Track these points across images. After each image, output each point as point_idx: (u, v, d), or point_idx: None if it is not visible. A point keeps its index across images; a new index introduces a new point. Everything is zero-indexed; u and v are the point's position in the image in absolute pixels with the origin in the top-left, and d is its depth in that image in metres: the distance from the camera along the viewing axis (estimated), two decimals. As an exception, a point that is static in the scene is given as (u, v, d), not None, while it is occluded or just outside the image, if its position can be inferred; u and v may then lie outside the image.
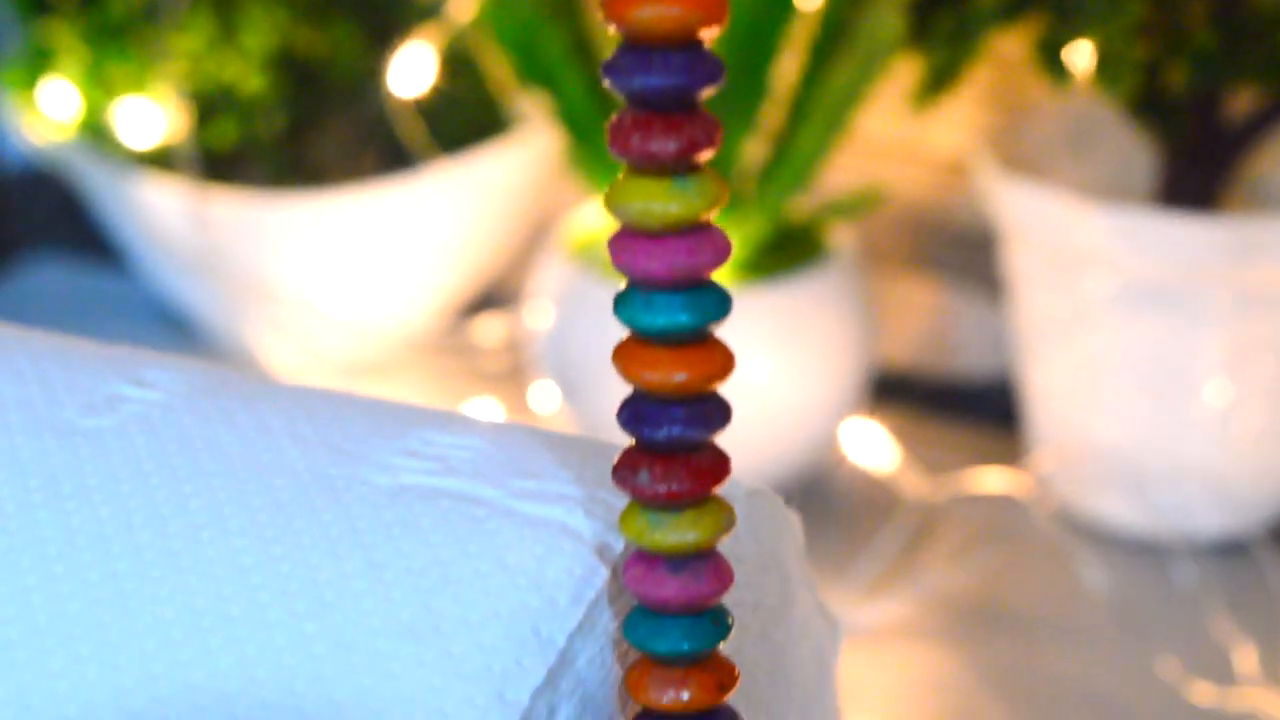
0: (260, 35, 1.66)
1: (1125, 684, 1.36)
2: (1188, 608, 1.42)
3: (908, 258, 1.71)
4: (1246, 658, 1.36)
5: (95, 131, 1.70)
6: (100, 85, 1.68)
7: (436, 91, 1.68)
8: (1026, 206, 1.43)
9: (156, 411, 0.68)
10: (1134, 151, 1.53)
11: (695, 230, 0.56)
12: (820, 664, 0.77)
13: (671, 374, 0.57)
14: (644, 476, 0.58)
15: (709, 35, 0.55)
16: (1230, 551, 1.48)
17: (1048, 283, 1.47)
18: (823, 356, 1.49)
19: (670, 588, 0.59)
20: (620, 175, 0.57)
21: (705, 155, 0.56)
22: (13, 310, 1.85)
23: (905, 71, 1.47)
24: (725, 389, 0.60)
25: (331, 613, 0.59)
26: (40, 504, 0.63)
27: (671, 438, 0.58)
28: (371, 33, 1.71)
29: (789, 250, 1.52)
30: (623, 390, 0.59)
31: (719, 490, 0.60)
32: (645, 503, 0.59)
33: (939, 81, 1.43)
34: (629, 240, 0.57)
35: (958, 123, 1.63)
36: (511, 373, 1.72)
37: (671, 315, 0.57)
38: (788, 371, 1.48)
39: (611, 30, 0.55)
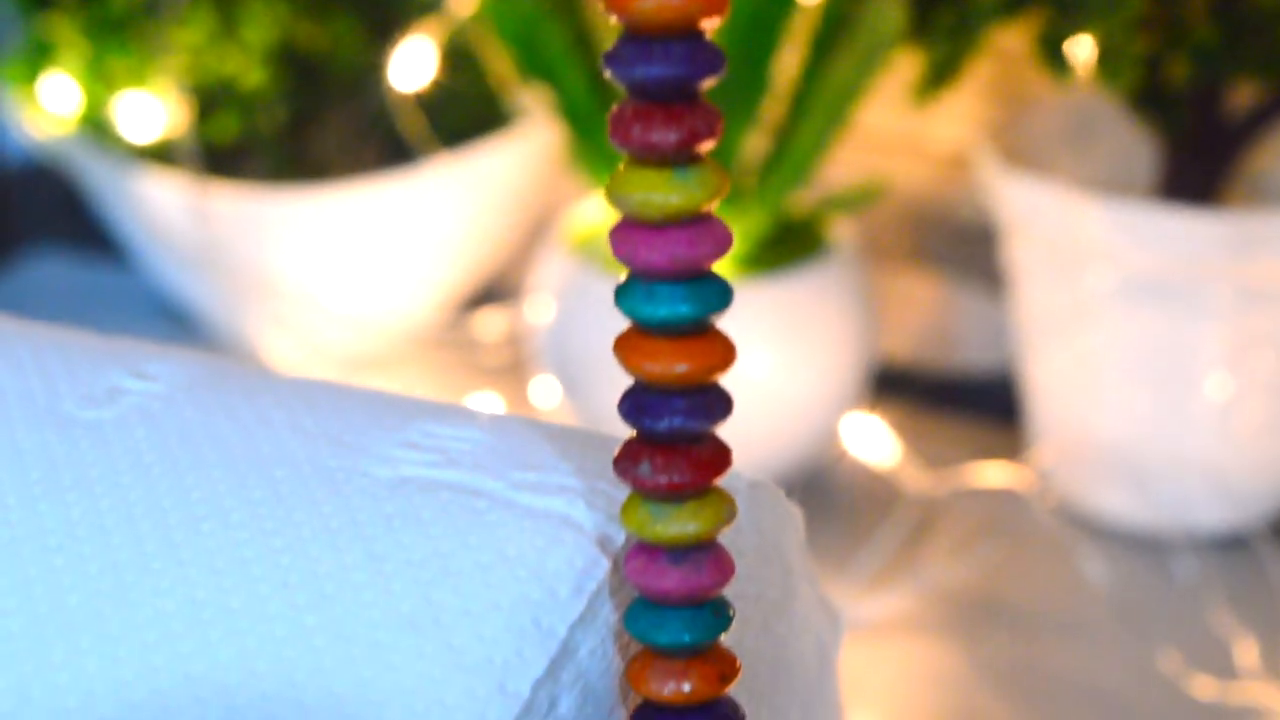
0: (261, 29, 1.65)
1: (1126, 678, 1.36)
2: (1188, 602, 1.42)
3: (908, 252, 1.71)
4: (1247, 652, 1.36)
5: (96, 126, 1.70)
6: (101, 79, 1.68)
7: (437, 86, 1.68)
8: (1027, 201, 1.43)
9: (157, 403, 0.68)
10: (1135, 146, 1.53)
11: (696, 221, 0.56)
12: (822, 656, 0.77)
13: (673, 365, 0.57)
14: (645, 468, 0.58)
15: (710, 25, 0.55)
16: (1231, 546, 1.48)
17: (1048, 277, 1.47)
18: (823, 351, 1.49)
19: (671, 579, 0.59)
20: (621, 166, 0.57)
21: (706, 146, 0.56)
22: (13, 304, 1.85)
23: (906, 65, 1.47)
24: (726, 383, 0.60)
25: (332, 605, 0.59)
26: (41, 495, 0.63)
27: (673, 429, 0.58)
28: (372, 27, 1.71)
29: (789, 244, 1.51)
30: (624, 385, 0.59)
31: (720, 482, 0.60)
32: (646, 494, 0.59)
33: (940, 75, 1.43)
34: (630, 231, 0.57)
35: (958, 117, 1.63)
36: (512, 367, 1.72)
37: (673, 306, 0.57)
38: (788, 366, 1.48)
39: (612, 21, 0.55)
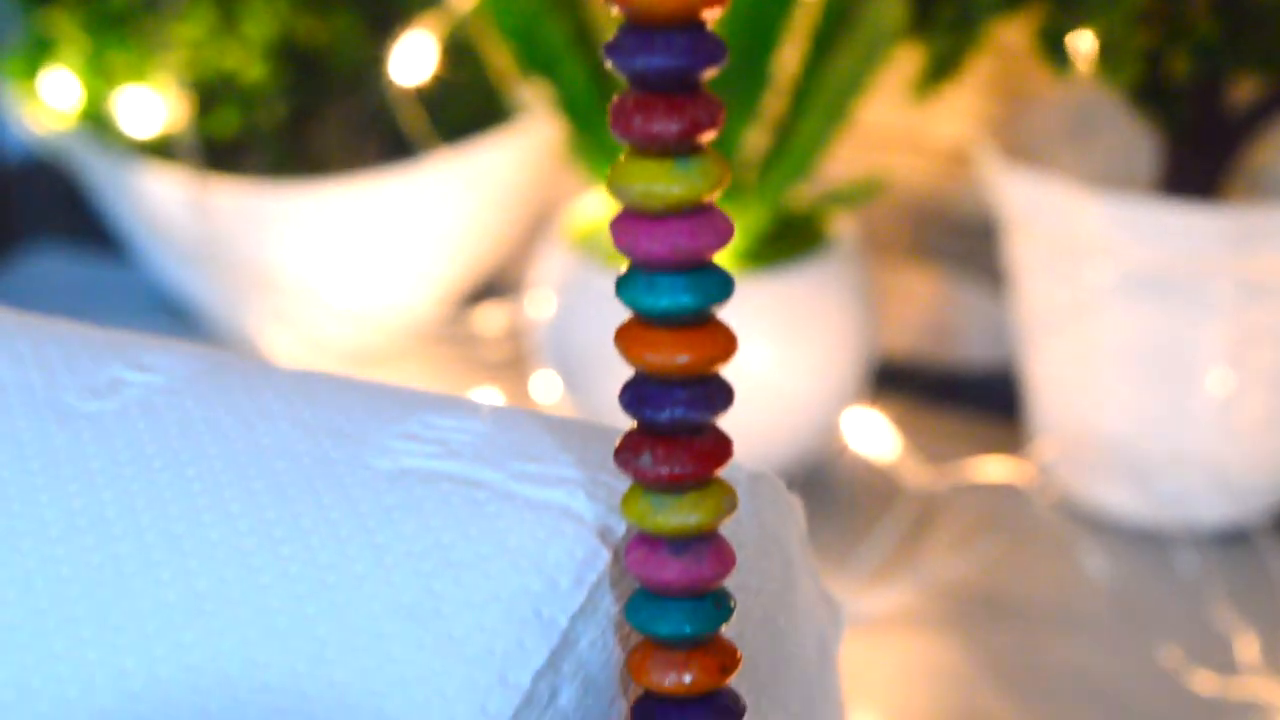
0: (261, 24, 1.65)
1: (1126, 673, 1.36)
2: (1189, 596, 1.42)
3: (909, 247, 1.71)
4: (1248, 646, 1.36)
5: (96, 121, 1.70)
6: (101, 74, 1.68)
7: (438, 81, 1.68)
8: (1028, 196, 1.43)
9: (158, 395, 0.68)
10: (1135, 140, 1.53)
11: (697, 211, 0.56)
12: (822, 649, 0.77)
13: (674, 355, 0.57)
14: (646, 459, 0.58)
15: (711, 16, 0.55)
16: (1232, 540, 1.48)
17: (1049, 272, 1.47)
18: (823, 346, 1.49)
19: (672, 570, 0.59)
20: (622, 157, 0.57)
21: (707, 136, 0.56)
22: (14, 300, 1.84)
23: (907, 61, 1.47)
24: (726, 376, 0.60)
25: (333, 595, 0.59)
26: (42, 487, 0.63)
27: (674, 419, 0.58)
28: (373, 22, 1.71)
29: (790, 239, 1.51)
30: (625, 379, 0.59)
31: (721, 473, 0.60)
32: (647, 485, 0.59)
33: (940, 71, 1.43)
34: (631, 222, 0.57)
35: (959, 112, 1.63)
36: (513, 362, 1.72)
37: (674, 297, 0.57)
38: (789, 361, 1.48)
39: (614, 12, 0.55)
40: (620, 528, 0.63)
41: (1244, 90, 1.43)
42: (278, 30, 1.67)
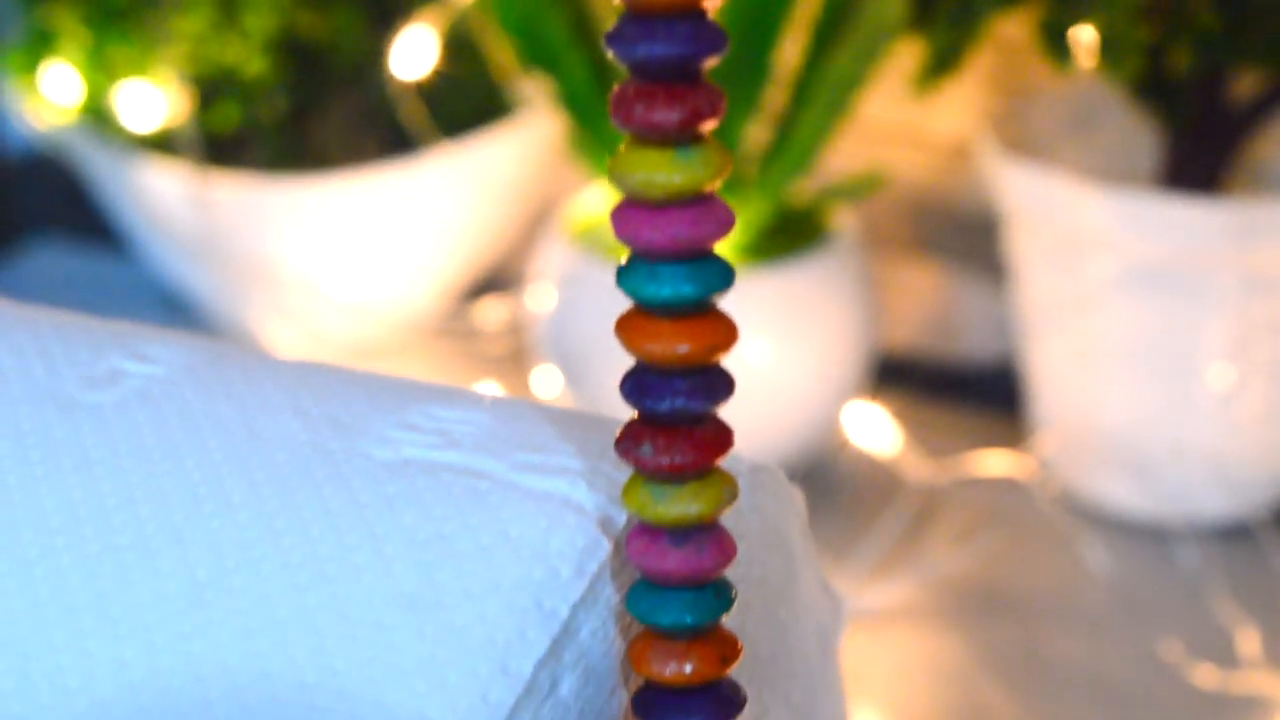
0: (262, 18, 1.65)
1: (1128, 667, 1.36)
2: (1190, 590, 1.42)
3: (910, 241, 1.71)
4: (1249, 640, 1.36)
5: (97, 115, 1.70)
6: (102, 69, 1.68)
7: (438, 75, 1.68)
8: (1029, 190, 1.43)
9: (158, 386, 0.68)
10: (1137, 134, 1.53)
11: (698, 201, 0.56)
12: (824, 641, 0.77)
13: (674, 345, 0.57)
14: (647, 449, 0.58)
15: (711, 4, 0.55)
16: (1233, 534, 1.48)
17: (1050, 266, 1.46)
18: (825, 340, 1.49)
19: (673, 560, 0.59)
20: (622, 146, 0.57)
21: (708, 125, 0.56)
22: (15, 294, 1.84)
23: (907, 55, 1.47)
24: (727, 367, 0.60)
25: (333, 585, 0.59)
26: (42, 477, 0.63)
27: (674, 409, 0.58)
28: (373, 16, 1.71)
29: (791, 233, 1.51)
30: (625, 373, 0.59)
31: (722, 464, 0.60)
32: (648, 475, 0.59)
33: (941, 65, 1.43)
34: (632, 211, 0.57)
35: (960, 106, 1.63)
36: (513, 356, 1.72)
37: (675, 286, 0.57)
38: (790, 355, 1.48)
39: (615, 0, 0.55)
40: (621, 518, 0.63)
41: (1245, 84, 1.43)
42: (278, 24, 1.67)
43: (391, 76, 1.67)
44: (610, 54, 0.56)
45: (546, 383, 1.58)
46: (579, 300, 1.49)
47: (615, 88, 0.56)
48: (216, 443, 0.65)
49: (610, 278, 0.61)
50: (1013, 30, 1.52)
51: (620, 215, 0.57)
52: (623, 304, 0.59)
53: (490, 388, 1.63)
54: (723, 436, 0.59)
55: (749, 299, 1.44)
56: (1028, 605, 1.43)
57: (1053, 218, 1.43)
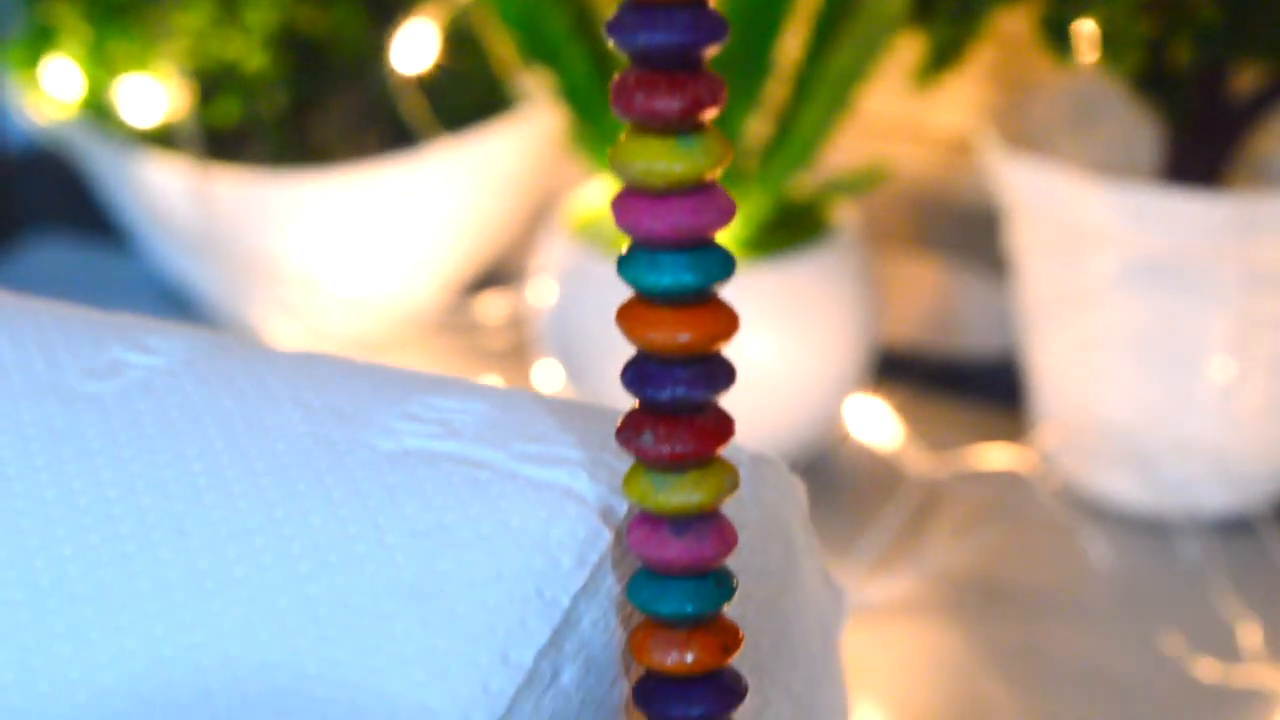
0: (263, 13, 1.65)
1: (1129, 661, 1.36)
2: (1192, 584, 1.42)
3: (911, 236, 1.71)
4: (1251, 634, 1.36)
5: (98, 110, 1.70)
6: (102, 64, 1.68)
7: (439, 69, 1.68)
8: (1031, 184, 1.43)
9: (159, 377, 0.68)
10: (1138, 128, 1.53)
11: (699, 189, 0.56)
12: (825, 632, 0.77)
13: (676, 334, 0.57)
14: (648, 438, 0.58)
15: (712, -7, 0.55)
16: (1235, 528, 1.48)
17: (1052, 260, 1.46)
18: (825, 334, 1.49)
19: (674, 549, 0.59)
20: (623, 135, 0.57)
21: (709, 114, 0.56)
22: (15, 289, 1.84)
23: (909, 49, 1.47)
24: (727, 356, 0.60)
25: (334, 575, 0.59)
26: (42, 467, 0.63)
27: (675, 398, 0.58)
28: (374, 10, 1.71)
29: (792, 228, 1.51)
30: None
31: (723, 453, 0.60)
32: (649, 464, 0.59)
33: (942, 59, 1.42)
34: (633, 200, 0.57)
35: (961, 101, 1.63)
36: (515, 351, 1.72)
37: (676, 275, 0.57)
38: (791, 349, 1.48)
39: (616, -12, 0.55)
40: (622, 508, 0.63)
41: (1247, 78, 1.43)
42: (279, 19, 1.67)
43: (392, 71, 1.67)
44: (611, 43, 0.56)
45: (548, 377, 1.58)
46: (580, 294, 1.49)
47: (616, 77, 0.56)
48: (217, 433, 0.65)
49: (611, 272, 0.61)
50: (1014, 24, 1.52)
51: (621, 204, 0.57)
52: (624, 299, 0.59)
53: (492, 382, 1.63)
54: (724, 425, 0.59)
55: (750, 293, 1.44)
56: (1028, 599, 1.43)
57: (1054, 212, 1.43)
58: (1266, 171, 1.50)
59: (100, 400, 0.66)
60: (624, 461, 0.63)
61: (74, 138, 1.73)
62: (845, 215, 1.53)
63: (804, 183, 1.53)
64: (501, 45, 1.62)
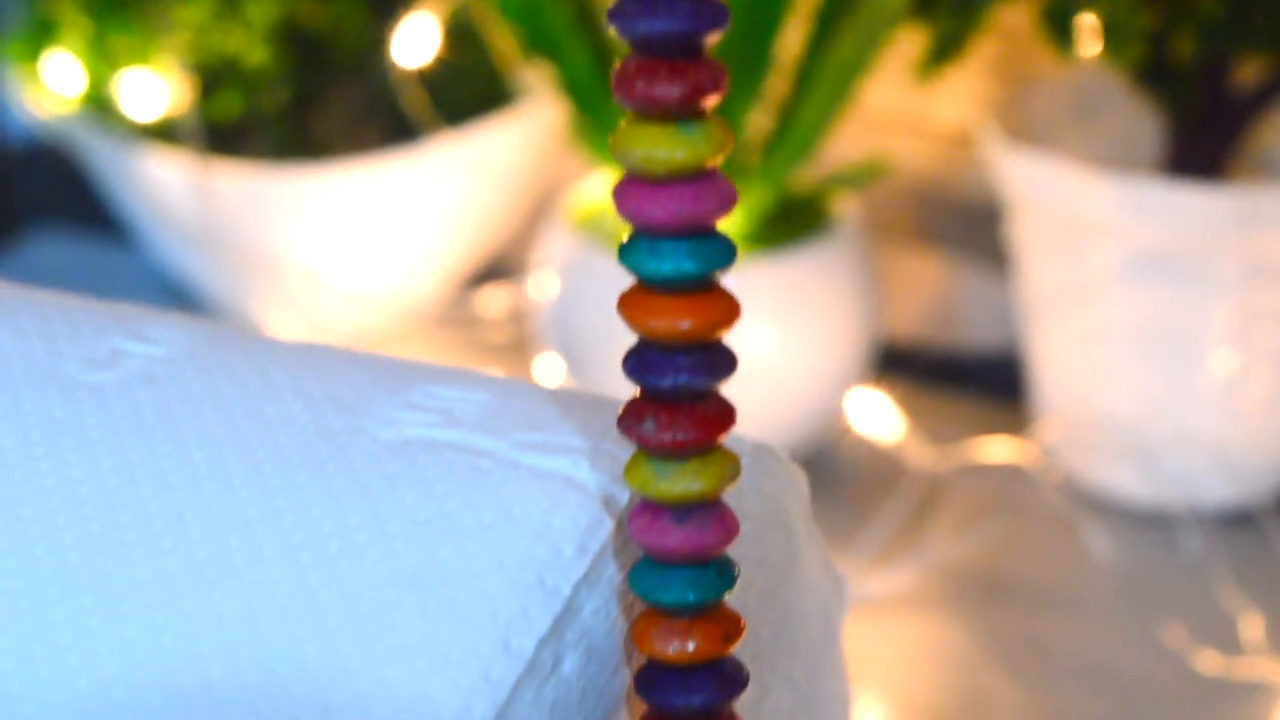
0: (263, 7, 1.65)
1: (1131, 654, 1.35)
2: (1194, 577, 1.42)
3: (912, 229, 1.71)
4: (1253, 627, 1.36)
5: (98, 104, 1.70)
6: (103, 58, 1.68)
7: (440, 63, 1.68)
8: (1032, 177, 1.43)
9: (159, 366, 0.68)
10: (1140, 121, 1.53)
11: (701, 177, 0.56)
12: (826, 622, 0.77)
13: (677, 321, 0.57)
14: (649, 425, 0.58)
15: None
16: (1236, 521, 1.48)
17: (1053, 254, 1.46)
18: (827, 327, 1.49)
19: (675, 537, 0.59)
20: (624, 122, 0.56)
21: (710, 101, 0.56)
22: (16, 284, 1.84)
23: (910, 42, 1.46)
24: (729, 344, 0.60)
25: (335, 563, 0.59)
26: (43, 456, 0.63)
27: (677, 386, 0.58)
28: (375, 4, 1.71)
29: (793, 221, 1.51)
30: (628, 358, 0.59)
31: (724, 441, 0.60)
32: (650, 452, 0.59)
33: (944, 52, 1.42)
34: (634, 187, 0.57)
35: (962, 94, 1.63)
36: (516, 344, 1.72)
37: (677, 262, 0.57)
38: (792, 342, 1.48)
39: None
40: (623, 497, 0.63)
41: (1249, 71, 1.43)
42: (280, 13, 1.66)
43: (393, 65, 1.67)
44: (612, 31, 0.56)
45: (549, 371, 1.58)
46: (581, 288, 1.49)
47: (616, 64, 0.56)
48: (218, 422, 0.65)
49: (612, 266, 0.61)
50: (1015, 18, 1.52)
51: (622, 191, 0.57)
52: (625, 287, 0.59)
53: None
54: (725, 413, 0.59)
55: (751, 287, 1.43)
56: (1030, 592, 1.43)
57: (1055, 205, 1.43)
58: (1268, 164, 1.50)
59: (101, 389, 0.66)
60: (625, 450, 0.63)
61: (75, 132, 1.73)
62: (846, 209, 1.53)
63: (805, 176, 1.53)
64: (502, 39, 1.62)
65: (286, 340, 0.72)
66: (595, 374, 1.49)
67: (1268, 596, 1.39)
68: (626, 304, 0.58)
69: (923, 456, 1.53)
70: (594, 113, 1.47)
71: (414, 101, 1.67)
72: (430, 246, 1.73)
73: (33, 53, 1.71)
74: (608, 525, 0.62)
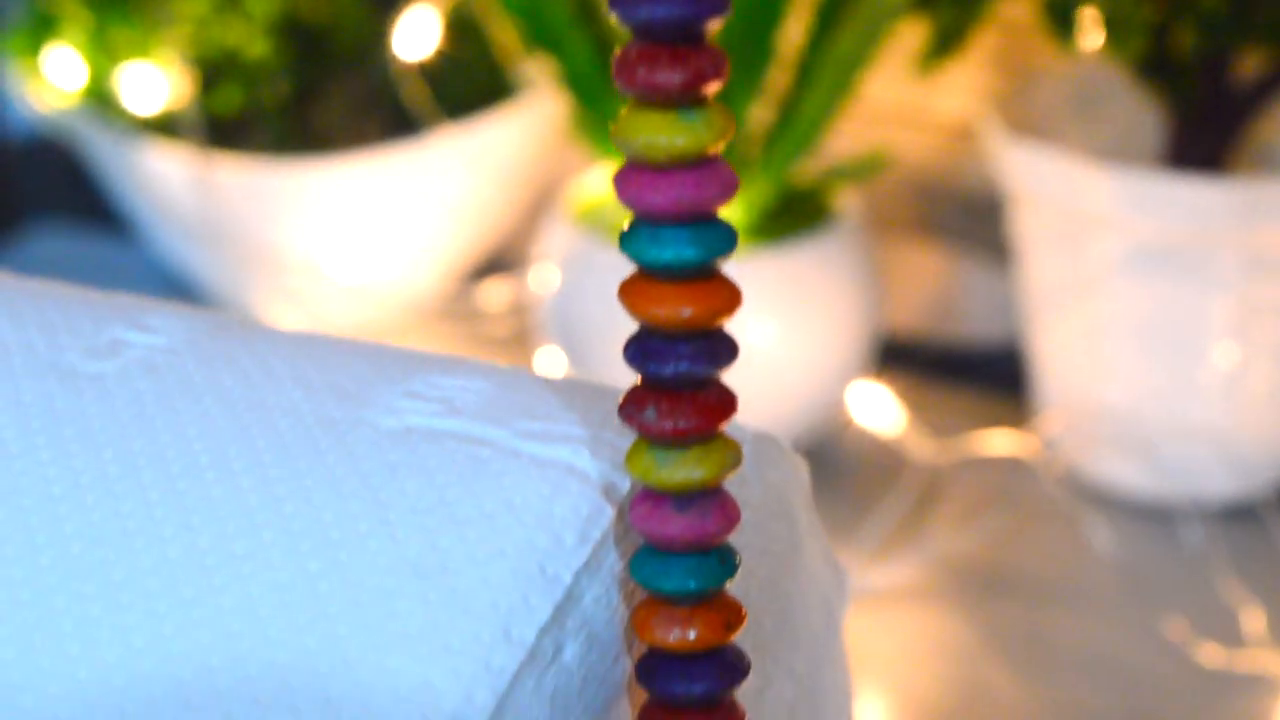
0: (264, 0, 1.65)
1: (1132, 646, 1.35)
2: (1195, 570, 1.42)
3: (914, 222, 1.71)
4: (1254, 620, 1.36)
5: (99, 98, 1.70)
6: (104, 51, 1.68)
7: (441, 56, 1.68)
8: (1034, 170, 1.43)
9: (159, 356, 0.68)
10: (1142, 114, 1.53)
11: (702, 163, 0.56)
12: (828, 613, 0.77)
13: (679, 309, 0.57)
14: (650, 413, 0.58)
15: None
16: (1238, 514, 1.48)
17: (1055, 246, 1.46)
18: (828, 320, 1.49)
19: (677, 525, 0.59)
20: (625, 109, 0.56)
21: (712, 87, 0.56)
22: (17, 278, 1.84)
23: (911, 35, 1.46)
24: (730, 332, 0.60)
25: (336, 552, 0.59)
26: (44, 446, 0.63)
27: (678, 373, 0.58)
28: (376, -3, 1.71)
29: (794, 214, 1.51)
30: (630, 349, 0.59)
31: (725, 431, 0.60)
32: (652, 440, 0.59)
33: (945, 45, 1.42)
34: (635, 174, 0.56)
35: (964, 87, 1.63)
36: (517, 337, 1.72)
37: (678, 249, 0.56)
38: (794, 335, 1.48)
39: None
40: (624, 485, 0.63)
41: (1250, 64, 1.42)
42: (280, 6, 1.66)
43: (394, 58, 1.66)
44: (613, 18, 0.55)
45: (550, 364, 1.58)
46: (582, 281, 1.49)
47: (618, 51, 0.56)
48: (219, 411, 0.64)
49: (614, 259, 0.61)
50: (1017, 10, 1.52)
51: (623, 179, 0.57)
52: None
53: (493, 369, 1.63)
54: (726, 401, 0.59)
55: (752, 280, 1.42)
56: (1032, 585, 1.43)
57: (1057, 198, 1.43)
58: (1269, 157, 1.50)
59: (101, 379, 0.66)
60: (626, 439, 0.63)
61: (75, 126, 1.73)
62: (848, 202, 1.53)
63: (806, 169, 1.53)
64: (503, 32, 1.62)
65: (287, 330, 0.72)
66: (596, 367, 1.49)
67: (1269, 589, 1.39)
68: (627, 292, 0.58)
69: (924, 449, 1.53)
70: (595, 106, 1.47)
71: (415, 95, 1.67)
72: (431, 240, 1.73)
73: (33, 47, 1.70)
74: (609, 513, 0.62)
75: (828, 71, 1.43)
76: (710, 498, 0.59)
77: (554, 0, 1.43)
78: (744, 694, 0.63)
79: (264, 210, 1.67)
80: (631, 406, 0.58)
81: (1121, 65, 1.42)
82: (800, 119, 1.45)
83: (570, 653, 0.59)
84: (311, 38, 1.69)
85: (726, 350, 0.58)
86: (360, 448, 0.63)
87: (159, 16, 1.65)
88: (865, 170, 1.52)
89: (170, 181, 1.66)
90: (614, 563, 0.61)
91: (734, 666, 0.61)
